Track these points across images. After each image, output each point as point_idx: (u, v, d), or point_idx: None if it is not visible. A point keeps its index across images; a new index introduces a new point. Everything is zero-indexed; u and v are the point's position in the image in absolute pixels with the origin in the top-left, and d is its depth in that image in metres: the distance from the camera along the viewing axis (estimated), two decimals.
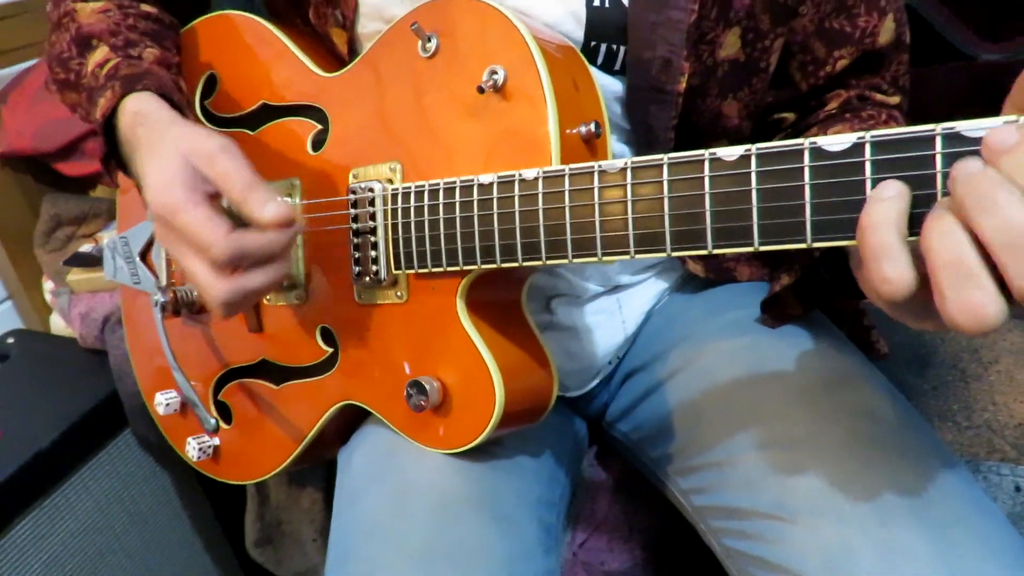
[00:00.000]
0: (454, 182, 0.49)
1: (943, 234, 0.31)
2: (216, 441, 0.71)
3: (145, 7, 0.67)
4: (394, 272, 0.54)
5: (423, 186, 0.51)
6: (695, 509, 0.57)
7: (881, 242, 0.32)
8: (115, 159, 0.61)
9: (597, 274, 0.66)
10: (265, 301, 0.64)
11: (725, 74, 0.59)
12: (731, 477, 0.51)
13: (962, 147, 0.32)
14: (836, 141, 0.35)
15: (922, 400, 0.70)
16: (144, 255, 0.75)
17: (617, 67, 0.57)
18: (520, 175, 0.46)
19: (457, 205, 0.49)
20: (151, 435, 0.91)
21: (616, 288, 0.67)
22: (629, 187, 0.42)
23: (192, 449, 0.70)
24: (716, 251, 0.39)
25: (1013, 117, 0.31)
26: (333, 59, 0.63)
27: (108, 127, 0.59)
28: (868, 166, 0.34)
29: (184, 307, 0.67)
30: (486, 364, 0.50)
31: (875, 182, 0.34)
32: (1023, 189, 0.29)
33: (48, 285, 1.01)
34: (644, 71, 0.56)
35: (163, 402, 0.73)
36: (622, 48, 0.57)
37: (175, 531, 0.99)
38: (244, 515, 0.94)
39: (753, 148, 0.38)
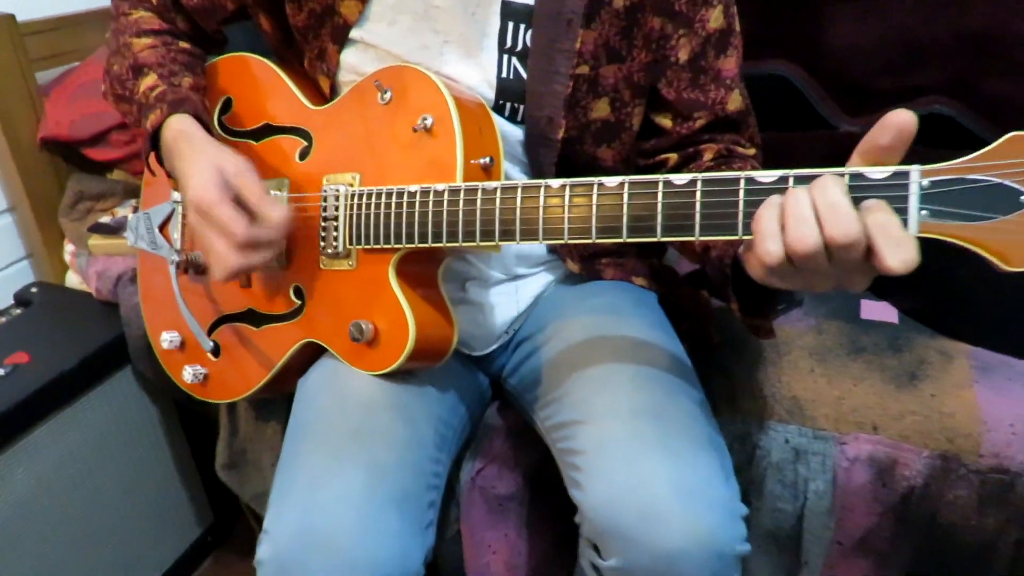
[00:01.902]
0: (393, 189, 0.73)
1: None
2: (206, 369, 0.93)
3: (183, 44, 0.91)
4: (348, 247, 0.77)
5: (372, 190, 0.75)
6: (545, 429, 0.80)
7: (764, 229, 0.53)
8: (156, 157, 0.84)
9: (500, 265, 0.90)
10: None
11: (598, 129, 0.84)
12: (564, 404, 0.76)
13: (757, 186, 0.55)
14: (682, 177, 0.58)
15: (739, 374, 0.95)
16: (161, 228, 0.98)
17: (519, 119, 0.82)
18: (457, 185, 0.70)
19: (393, 204, 0.73)
20: (148, 371, 1.13)
21: (515, 277, 0.92)
22: (567, 198, 0.63)
23: (188, 375, 0.93)
24: (629, 239, 0.60)
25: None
26: (318, 95, 0.88)
27: (154, 134, 0.82)
28: (699, 195, 0.57)
29: (192, 268, 0.90)
30: (405, 314, 0.74)
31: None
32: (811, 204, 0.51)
33: (69, 248, 1.23)
34: (536, 124, 0.81)
35: (167, 339, 0.95)
36: (521, 106, 0.81)
37: (156, 452, 1.21)
38: (214, 443, 1.16)
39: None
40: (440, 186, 0.70)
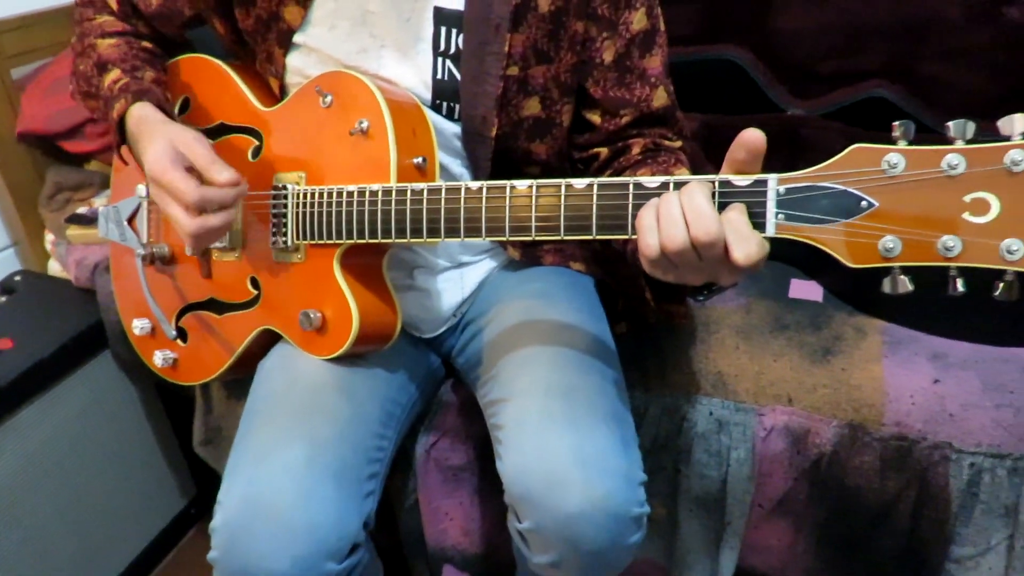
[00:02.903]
0: (334, 188, 0.79)
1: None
2: (175, 354, 1.00)
3: (145, 43, 0.96)
4: (296, 242, 0.84)
5: (316, 189, 0.81)
6: (484, 404, 0.88)
7: (643, 226, 0.60)
8: (124, 145, 0.90)
9: (446, 253, 0.96)
10: (215, 257, 0.93)
11: (530, 126, 0.89)
12: (496, 383, 0.83)
13: (644, 191, 0.62)
14: (582, 181, 0.65)
15: (670, 351, 1.02)
16: (130, 221, 1.05)
17: (455, 117, 0.88)
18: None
19: (334, 203, 0.79)
20: (125, 354, 1.20)
21: (460, 265, 0.98)
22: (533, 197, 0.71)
23: (159, 359, 1.00)
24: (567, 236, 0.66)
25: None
26: (269, 96, 0.93)
27: (120, 125, 0.88)
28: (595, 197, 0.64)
29: (157, 260, 0.97)
30: (349, 304, 0.81)
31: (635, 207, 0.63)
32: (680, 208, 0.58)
33: (49, 237, 1.30)
34: (471, 123, 0.87)
35: (139, 326, 1.02)
36: (456, 105, 0.87)
37: (137, 430, 1.29)
38: (192, 421, 1.23)
39: (595, 182, 0.65)
40: (375, 186, 0.77)
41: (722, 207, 0.59)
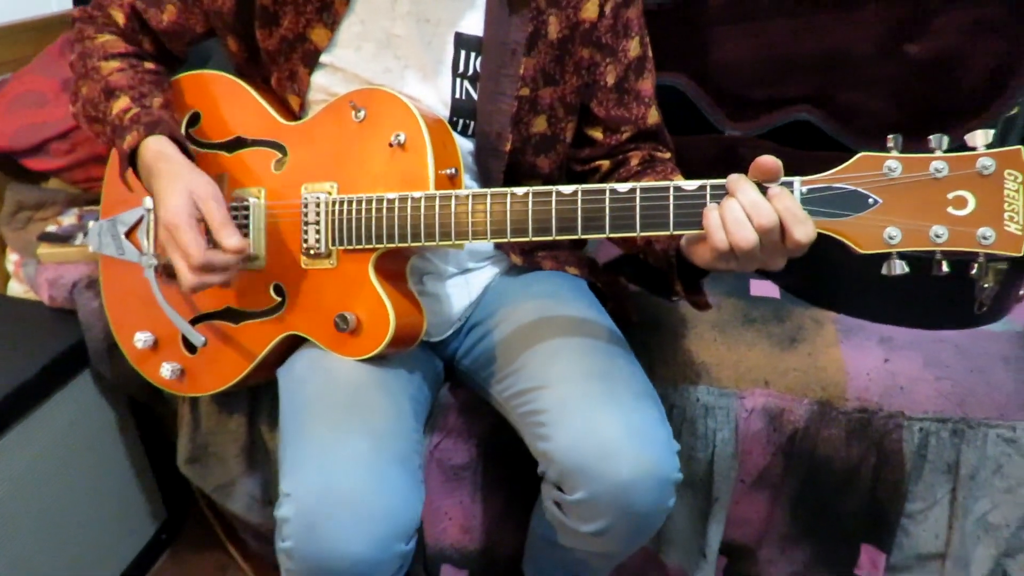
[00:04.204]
0: (372, 196, 0.84)
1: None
2: (182, 366, 1.00)
3: (148, 64, 0.98)
4: (330, 248, 0.88)
5: (352, 198, 0.86)
6: (503, 399, 0.94)
7: (712, 225, 0.68)
8: (131, 171, 0.91)
9: (454, 260, 1.03)
10: None
11: (537, 142, 0.98)
12: (522, 375, 0.90)
13: (684, 193, 0.71)
14: (624, 186, 0.73)
15: (655, 347, 1.12)
16: (128, 234, 1.04)
17: (469, 133, 0.95)
18: (419, 195, 0.82)
19: (373, 210, 0.84)
20: (108, 372, 1.17)
21: (466, 270, 1.05)
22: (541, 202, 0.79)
23: (167, 371, 1.00)
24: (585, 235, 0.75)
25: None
26: (286, 111, 0.97)
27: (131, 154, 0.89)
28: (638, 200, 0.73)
29: (166, 271, 0.97)
30: (386, 305, 0.86)
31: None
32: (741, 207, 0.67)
33: (13, 257, 1.24)
34: (486, 138, 0.94)
35: (141, 339, 1.02)
36: (471, 123, 0.94)
37: (113, 453, 1.25)
38: (166, 442, 1.21)
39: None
40: (417, 193, 0.82)
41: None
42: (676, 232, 0.73)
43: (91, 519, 1.22)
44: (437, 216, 0.82)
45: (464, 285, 1.04)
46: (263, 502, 1.23)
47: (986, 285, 1.08)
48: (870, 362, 1.06)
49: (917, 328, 1.12)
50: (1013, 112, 1.42)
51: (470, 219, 0.80)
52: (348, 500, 0.72)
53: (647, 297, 1.21)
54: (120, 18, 0.97)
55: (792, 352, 1.09)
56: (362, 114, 0.87)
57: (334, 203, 0.87)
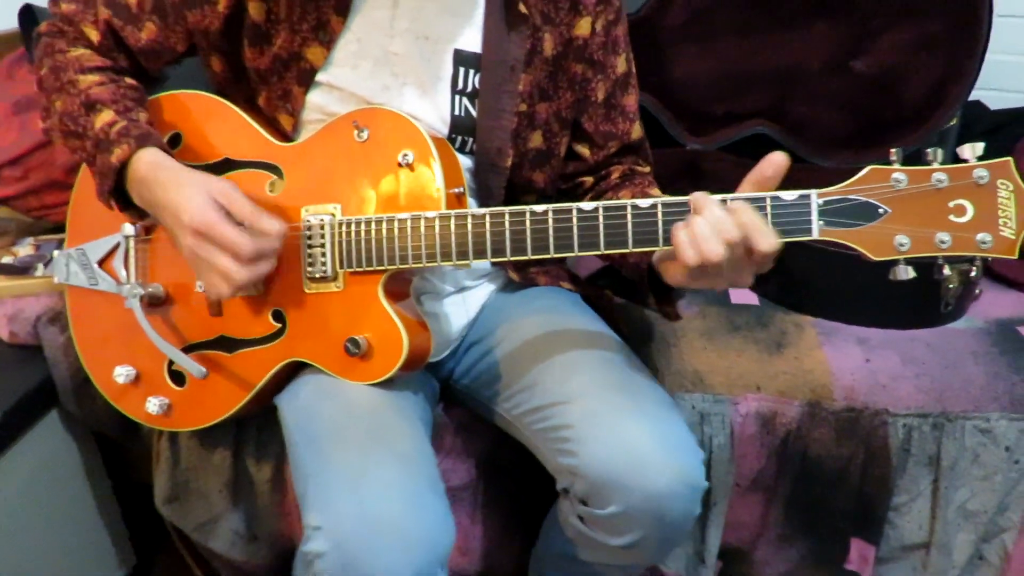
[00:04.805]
0: (383, 217, 0.83)
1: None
2: (168, 400, 0.95)
3: (128, 79, 0.93)
4: (337, 270, 0.85)
5: (360, 219, 0.84)
6: (513, 417, 0.93)
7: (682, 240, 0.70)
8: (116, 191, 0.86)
9: (452, 279, 1.01)
10: None
11: (534, 157, 0.98)
12: (536, 391, 0.89)
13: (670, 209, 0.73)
14: (645, 201, 0.75)
15: (647, 357, 1.14)
16: (101, 263, 0.98)
17: (467, 150, 0.95)
18: (425, 214, 0.81)
19: (384, 230, 0.83)
20: (77, 411, 1.10)
21: (463, 289, 1.04)
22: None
23: (153, 406, 0.94)
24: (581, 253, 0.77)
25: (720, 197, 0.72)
26: (276, 131, 0.94)
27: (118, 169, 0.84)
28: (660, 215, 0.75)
29: (151, 300, 0.93)
30: (399, 328, 0.84)
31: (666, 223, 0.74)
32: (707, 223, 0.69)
33: None
34: (486, 154, 0.94)
35: (122, 374, 0.96)
36: (470, 139, 0.94)
37: (80, 496, 1.17)
38: (132, 483, 1.14)
39: (600, 205, 0.76)
40: (430, 213, 0.81)
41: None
42: (635, 249, 0.75)
43: (59, 570, 1.13)
44: (453, 236, 0.81)
45: (462, 303, 1.03)
46: (247, 538, 1.18)
47: (951, 285, 1.14)
48: (852, 362, 1.11)
49: (888, 328, 1.18)
50: (952, 123, 1.52)
51: (488, 238, 0.80)
52: (386, 529, 0.70)
53: (634, 309, 1.23)
54: (94, 35, 0.92)
55: (779, 356, 1.12)
56: (365, 134, 0.86)
57: (340, 225, 0.85)
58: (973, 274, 0.74)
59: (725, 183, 0.75)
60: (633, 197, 0.76)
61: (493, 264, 1.04)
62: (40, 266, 1.14)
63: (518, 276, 1.05)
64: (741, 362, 1.12)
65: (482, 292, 1.05)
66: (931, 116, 1.48)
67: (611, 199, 0.87)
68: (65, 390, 1.08)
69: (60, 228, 1.27)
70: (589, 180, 1.05)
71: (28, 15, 1.29)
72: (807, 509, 1.12)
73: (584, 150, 1.03)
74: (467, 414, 1.09)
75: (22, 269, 1.13)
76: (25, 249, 1.18)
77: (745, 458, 1.10)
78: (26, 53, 1.31)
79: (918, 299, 1.17)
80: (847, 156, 1.55)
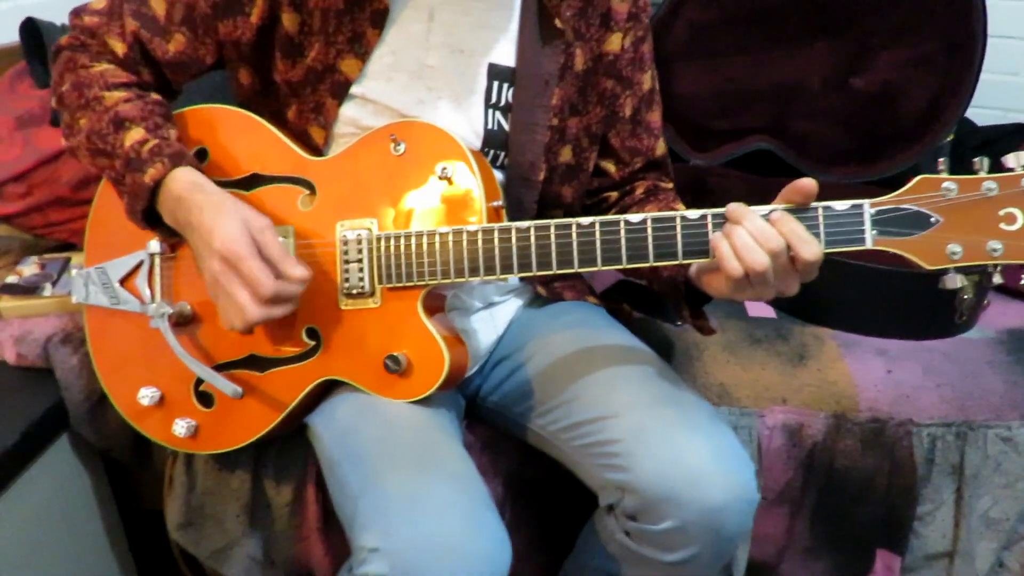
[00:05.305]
0: (423, 231, 0.81)
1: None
2: (196, 421, 0.92)
3: (153, 95, 0.91)
4: (375, 286, 0.84)
5: (400, 233, 0.82)
6: (550, 433, 0.92)
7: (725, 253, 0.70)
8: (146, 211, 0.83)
9: (480, 295, 1.00)
10: None
11: (563, 172, 0.98)
12: (575, 406, 0.88)
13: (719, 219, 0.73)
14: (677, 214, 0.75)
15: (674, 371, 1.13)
16: (123, 281, 0.95)
17: (499, 165, 0.94)
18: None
19: (425, 245, 0.81)
20: (91, 435, 1.06)
21: (491, 304, 1.03)
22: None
23: (180, 428, 0.91)
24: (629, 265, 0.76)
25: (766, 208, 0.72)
26: (305, 145, 0.92)
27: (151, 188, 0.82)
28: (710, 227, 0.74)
29: (179, 319, 0.90)
30: (440, 344, 0.82)
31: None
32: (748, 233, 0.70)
33: None
34: (519, 168, 0.94)
35: (147, 395, 0.93)
36: (502, 153, 0.93)
37: (89, 523, 1.12)
38: (138, 510, 1.10)
39: (649, 217, 0.76)
40: (473, 227, 0.80)
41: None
42: (685, 261, 0.76)
43: None
44: (497, 249, 0.80)
45: (490, 319, 1.02)
46: (264, 564, 1.14)
47: (966, 296, 1.16)
48: (875, 373, 1.12)
49: (904, 339, 1.19)
50: (949, 139, 1.56)
51: (533, 251, 0.79)
52: (446, 549, 0.68)
53: (653, 323, 1.23)
54: (119, 47, 0.90)
55: (803, 369, 1.13)
56: (402, 147, 0.85)
57: (379, 239, 0.83)
58: (995, 280, 0.75)
59: (730, 198, 0.76)
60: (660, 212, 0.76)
61: (521, 279, 1.03)
62: (48, 285, 1.10)
63: (545, 291, 1.04)
64: (766, 375, 1.12)
65: (510, 307, 1.04)
66: (928, 132, 1.52)
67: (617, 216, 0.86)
68: (78, 414, 1.04)
69: (64, 247, 1.24)
70: (614, 195, 1.05)
71: (30, 28, 1.27)
72: (833, 521, 1.12)
73: (610, 166, 1.03)
74: (492, 432, 1.08)
75: (29, 289, 1.09)
76: (30, 268, 1.14)
77: (771, 471, 1.10)
78: (28, 66, 1.28)
79: (931, 310, 1.19)
80: (847, 171, 1.58)
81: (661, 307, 1.27)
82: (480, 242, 0.80)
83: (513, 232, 0.79)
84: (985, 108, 1.71)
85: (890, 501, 1.10)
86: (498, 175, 0.94)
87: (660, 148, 1.05)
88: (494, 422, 1.05)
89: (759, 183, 1.58)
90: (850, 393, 1.09)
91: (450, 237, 0.81)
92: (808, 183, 0.71)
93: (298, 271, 0.77)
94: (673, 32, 1.59)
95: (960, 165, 0.72)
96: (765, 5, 1.55)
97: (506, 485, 1.09)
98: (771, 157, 1.59)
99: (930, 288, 1.20)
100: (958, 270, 0.73)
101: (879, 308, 1.21)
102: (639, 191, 1.04)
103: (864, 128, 1.57)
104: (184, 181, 0.81)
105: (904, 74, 1.52)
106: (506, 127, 0.92)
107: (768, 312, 1.28)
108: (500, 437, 1.07)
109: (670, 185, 1.07)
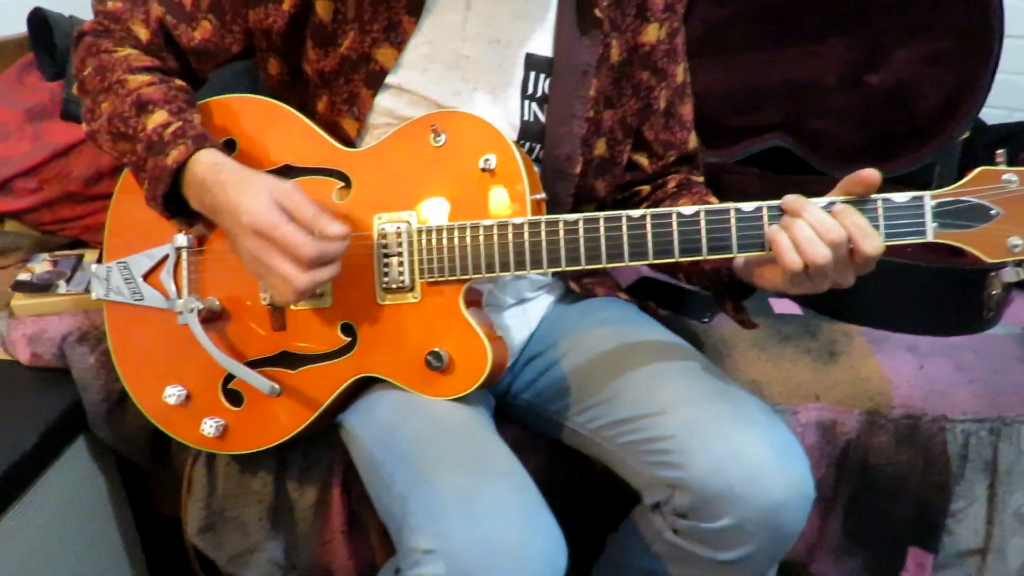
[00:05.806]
0: (467, 224, 0.79)
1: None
2: (224, 420, 0.89)
3: (177, 81, 0.88)
4: (416, 280, 0.81)
5: (442, 226, 0.80)
6: (590, 431, 0.90)
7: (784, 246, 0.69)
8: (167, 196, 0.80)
9: (513, 290, 0.98)
10: (292, 307, 0.86)
11: (597, 165, 0.96)
12: (618, 403, 0.86)
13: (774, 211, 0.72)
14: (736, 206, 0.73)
15: None
16: (146, 277, 0.92)
17: (534, 157, 0.92)
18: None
19: (468, 238, 0.79)
20: (108, 436, 1.03)
21: (523, 301, 1.00)
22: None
23: (209, 427, 0.88)
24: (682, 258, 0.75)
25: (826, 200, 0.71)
26: (337, 136, 0.89)
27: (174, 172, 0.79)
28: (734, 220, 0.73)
29: (208, 315, 0.87)
30: (482, 340, 0.80)
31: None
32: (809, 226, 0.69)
33: None
34: (554, 161, 0.92)
35: (173, 394, 0.90)
36: (538, 146, 0.91)
37: (104, 528, 1.09)
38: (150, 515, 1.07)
39: (702, 209, 0.74)
40: (518, 220, 0.78)
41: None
42: (739, 255, 0.74)
43: None
44: (544, 243, 0.78)
45: (523, 315, 1.00)
46: (286, 567, 1.11)
47: (994, 292, 1.16)
48: (907, 370, 1.11)
49: (932, 335, 1.19)
50: (965, 136, 1.56)
51: (582, 244, 0.77)
52: (504, 549, 0.66)
53: (678, 320, 1.22)
54: (143, 33, 0.87)
55: (834, 365, 1.12)
56: (443, 138, 0.82)
57: (419, 232, 0.81)
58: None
59: (748, 196, 0.76)
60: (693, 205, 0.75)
61: (554, 274, 1.01)
62: (62, 283, 1.07)
63: (577, 286, 1.02)
64: (797, 372, 1.11)
65: (542, 303, 1.02)
66: (944, 129, 1.52)
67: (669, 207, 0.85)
68: (96, 415, 1.01)
69: (75, 244, 1.21)
70: (646, 189, 1.03)
71: (38, 19, 1.23)
72: (865, 519, 1.11)
73: (643, 159, 1.01)
74: (520, 431, 1.05)
75: (42, 287, 1.06)
76: (41, 265, 1.10)
77: None
78: (36, 58, 1.24)
79: (957, 306, 1.18)
80: (862, 168, 1.58)
81: (686, 304, 1.25)
82: (527, 236, 0.78)
83: (561, 225, 0.77)
84: (993, 108, 1.72)
85: (923, 498, 1.09)
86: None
87: (692, 141, 1.03)
88: (525, 420, 1.03)
89: (774, 180, 1.57)
90: (883, 389, 1.08)
91: (495, 230, 0.79)
92: (871, 173, 0.70)
93: (335, 227, 0.73)
94: (686, 28, 1.58)
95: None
96: (778, 1, 1.54)
97: (537, 484, 1.07)
98: (786, 154, 1.58)
99: (955, 283, 1.19)
100: (1018, 263, 0.72)
101: (906, 304, 1.20)
102: (671, 184, 1.02)
103: (879, 125, 1.57)
104: (206, 163, 0.78)
105: (919, 71, 1.52)
106: (542, 119, 0.90)
107: (794, 309, 1.26)
108: (528, 436, 1.05)
109: (701, 179, 1.06)
